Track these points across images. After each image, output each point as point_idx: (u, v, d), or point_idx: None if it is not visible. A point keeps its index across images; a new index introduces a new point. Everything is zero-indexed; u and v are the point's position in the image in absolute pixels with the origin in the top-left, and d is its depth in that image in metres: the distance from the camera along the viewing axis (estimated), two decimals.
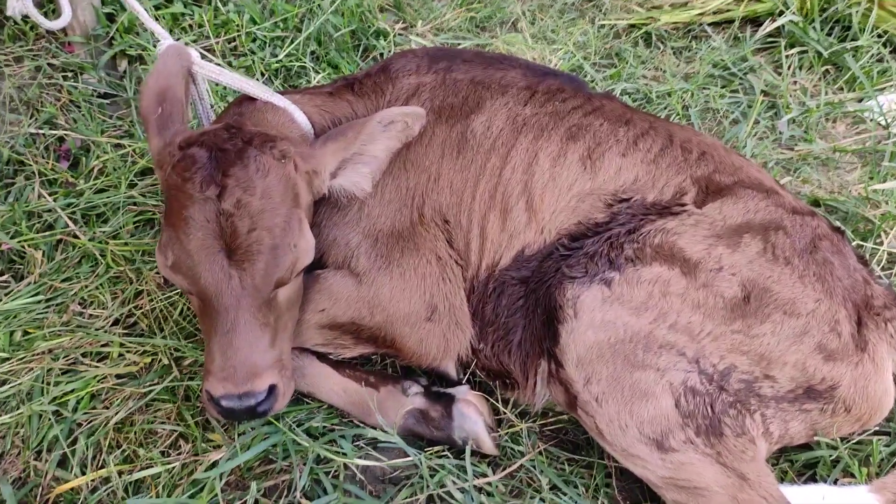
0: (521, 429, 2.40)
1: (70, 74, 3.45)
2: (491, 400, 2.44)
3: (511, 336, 2.33)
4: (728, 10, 4.00)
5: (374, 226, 2.41)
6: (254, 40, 3.60)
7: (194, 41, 3.53)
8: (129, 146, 3.15)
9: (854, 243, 2.84)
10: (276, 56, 3.54)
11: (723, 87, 3.69)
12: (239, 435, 2.35)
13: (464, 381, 2.50)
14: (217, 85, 3.14)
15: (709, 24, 4.03)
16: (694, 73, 3.76)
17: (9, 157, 3.09)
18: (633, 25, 4.05)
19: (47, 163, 3.08)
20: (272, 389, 2.06)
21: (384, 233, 2.40)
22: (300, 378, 2.42)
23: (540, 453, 2.36)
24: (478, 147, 2.40)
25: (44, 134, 3.19)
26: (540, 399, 2.35)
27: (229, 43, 3.59)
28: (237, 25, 3.58)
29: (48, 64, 3.43)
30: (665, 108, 3.53)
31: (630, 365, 2.03)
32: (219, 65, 3.35)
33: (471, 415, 2.33)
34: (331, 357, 2.49)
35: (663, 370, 2.02)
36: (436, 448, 2.35)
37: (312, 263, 2.44)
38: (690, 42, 3.99)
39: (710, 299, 2.05)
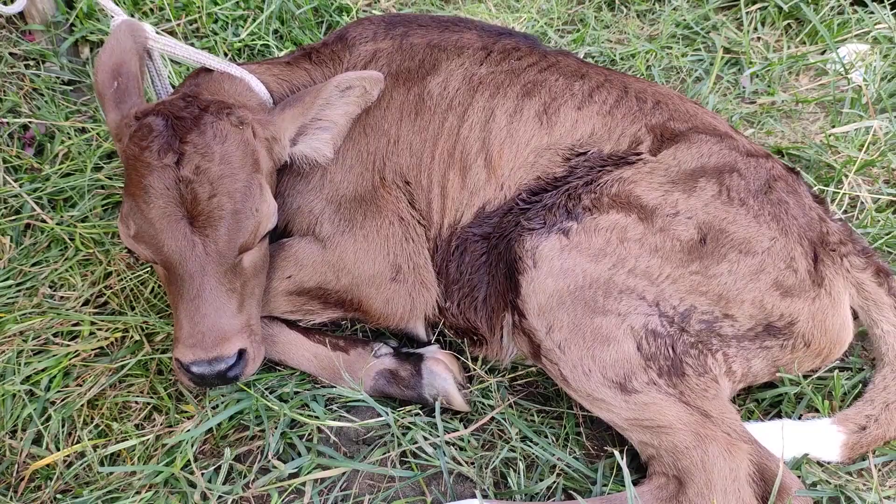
0: (490, 384, 2.42)
1: (32, 63, 3.44)
2: (461, 358, 2.46)
3: (476, 293, 2.35)
4: None
5: (337, 191, 2.42)
6: (215, 21, 3.60)
7: (155, 24, 3.52)
8: (94, 130, 3.15)
9: (816, 188, 2.87)
10: (239, 35, 3.54)
11: (686, 46, 3.71)
12: (211, 403, 2.37)
13: (433, 342, 2.52)
14: (180, 65, 3.15)
15: None
16: (658, 35, 3.78)
17: None
18: None
19: (11, 150, 3.08)
20: (242, 354, 2.09)
21: (347, 198, 2.41)
22: (271, 346, 2.44)
23: (510, 406, 2.39)
24: (435, 108, 2.41)
25: (7, 122, 3.18)
26: (508, 353, 2.38)
27: (190, 25, 3.58)
28: (198, 7, 3.58)
29: (9, 53, 3.42)
30: (630, 68, 3.55)
31: (591, 311, 2.05)
32: None
33: (440, 372, 2.35)
34: (300, 324, 2.51)
35: (624, 314, 2.04)
36: (408, 407, 2.38)
37: (279, 233, 2.47)
38: (654, 4, 4.01)
39: (667, 243, 2.08)
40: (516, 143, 2.32)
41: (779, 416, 2.29)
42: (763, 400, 2.30)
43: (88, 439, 2.31)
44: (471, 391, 2.41)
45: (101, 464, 2.27)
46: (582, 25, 3.86)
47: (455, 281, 2.38)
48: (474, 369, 2.46)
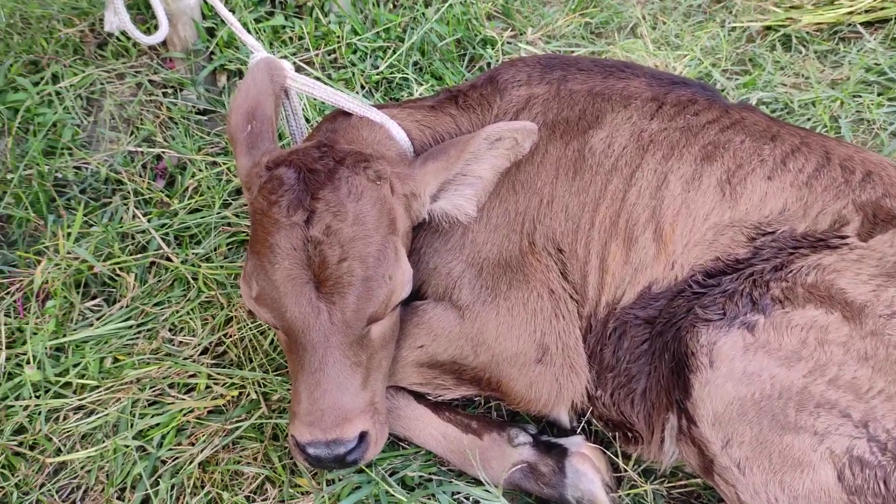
0: (645, 490, 2.10)
1: (170, 91, 3.38)
2: (609, 454, 2.15)
3: (634, 384, 2.04)
4: (883, 8, 3.53)
5: (479, 254, 2.18)
6: (354, 52, 3.43)
7: (293, 54, 3.39)
8: (224, 164, 3.03)
9: None
10: (377, 67, 3.36)
11: (879, 94, 3.24)
12: (328, 483, 2.16)
13: (578, 431, 2.21)
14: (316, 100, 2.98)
15: (860, 24, 3.58)
16: (842, 80, 3.34)
17: (106, 176, 3.03)
18: (768, 27, 3.64)
19: (143, 181, 3.00)
20: (363, 437, 1.89)
21: (490, 262, 2.16)
22: (395, 420, 2.22)
23: None
24: (597, 167, 2.12)
25: (142, 152, 3.11)
26: (668, 457, 2.05)
27: (329, 55, 3.43)
28: (338, 37, 3.43)
29: (149, 80, 3.37)
30: (809, 119, 3.13)
31: (779, 426, 1.72)
32: (317, 78, 3.21)
33: (586, 471, 2.06)
34: (429, 398, 2.27)
35: (822, 434, 1.69)
36: None
37: (411, 294, 2.23)
38: (837, 45, 3.55)
39: (880, 350, 1.71)
40: (693, 215, 2.00)
41: None
42: None
43: None
44: (620, 496, 2.08)
45: None
46: (753, 67, 3.46)
47: (610, 368, 2.07)
48: (625, 470, 2.13)
